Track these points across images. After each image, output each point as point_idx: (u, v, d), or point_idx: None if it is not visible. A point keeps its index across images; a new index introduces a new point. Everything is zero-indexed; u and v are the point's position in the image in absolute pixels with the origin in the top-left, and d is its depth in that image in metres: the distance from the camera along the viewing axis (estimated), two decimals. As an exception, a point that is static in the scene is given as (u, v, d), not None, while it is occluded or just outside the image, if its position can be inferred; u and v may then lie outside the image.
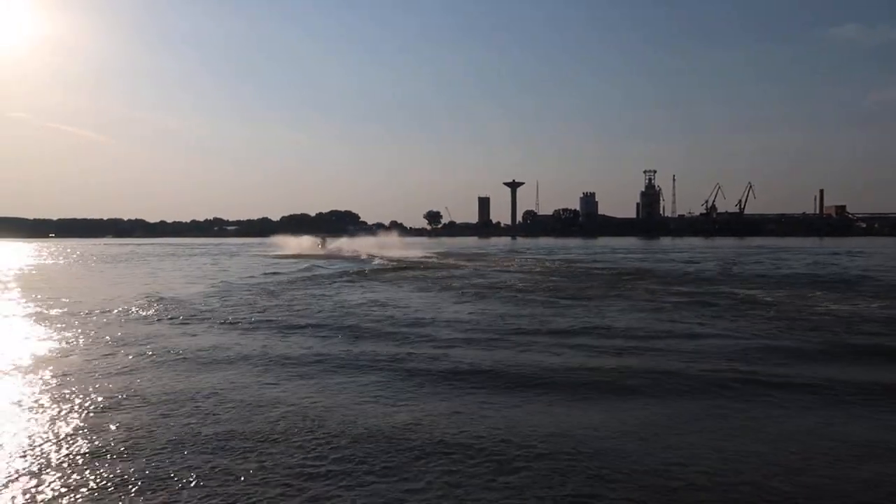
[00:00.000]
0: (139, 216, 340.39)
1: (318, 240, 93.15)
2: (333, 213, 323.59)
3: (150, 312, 20.72)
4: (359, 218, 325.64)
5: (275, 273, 40.93)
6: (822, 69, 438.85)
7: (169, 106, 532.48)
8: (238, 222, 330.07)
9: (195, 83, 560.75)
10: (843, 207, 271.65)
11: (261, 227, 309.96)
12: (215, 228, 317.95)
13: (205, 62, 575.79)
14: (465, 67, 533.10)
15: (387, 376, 11.42)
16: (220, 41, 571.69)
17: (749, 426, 8.61)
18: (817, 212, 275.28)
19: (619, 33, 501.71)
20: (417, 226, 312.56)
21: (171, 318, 19.19)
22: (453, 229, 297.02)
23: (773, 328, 17.02)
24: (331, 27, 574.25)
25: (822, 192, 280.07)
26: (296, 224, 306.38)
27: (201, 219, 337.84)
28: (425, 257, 63.80)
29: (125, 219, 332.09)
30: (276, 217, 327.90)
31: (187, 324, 18.10)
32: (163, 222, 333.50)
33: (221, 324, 18.07)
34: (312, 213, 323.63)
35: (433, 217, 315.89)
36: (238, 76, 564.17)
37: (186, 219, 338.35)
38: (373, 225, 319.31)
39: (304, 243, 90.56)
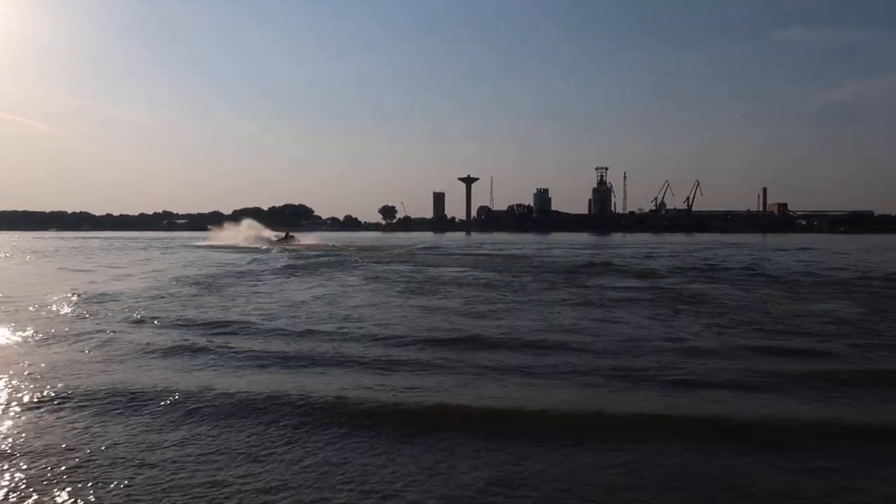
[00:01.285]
0: (85, 209, 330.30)
1: (279, 234, 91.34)
2: (287, 207, 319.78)
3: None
4: (313, 212, 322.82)
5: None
6: (769, 70, 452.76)
7: (115, 95, 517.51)
8: (188, 216, 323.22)
9: (142, 73, 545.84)
10: (784, 205, 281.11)
11: (212, 221, 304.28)
12: (164, 222, 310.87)
13: (151, 51, 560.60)
14: (421, 62, 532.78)
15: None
16: (167, 30, 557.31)
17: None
18: (761, 209, 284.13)
19: (574, 30, 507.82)
20: (372, 220, 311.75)
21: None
22: (408, 224, 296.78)
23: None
24: (285, 18, 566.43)
25: (765, 190, 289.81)
26: (248, 218, 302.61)
27: (150, 212, 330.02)
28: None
29: (70, 212, 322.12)
30: (227, 211, 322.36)
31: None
32: (109, 215, 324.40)
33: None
34: (265, 208, 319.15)
35: (388, 212, 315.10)
36: (187, 66, 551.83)
37: (134, 212, 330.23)
38: (327, 220, 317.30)
39: (241, 234, 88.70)
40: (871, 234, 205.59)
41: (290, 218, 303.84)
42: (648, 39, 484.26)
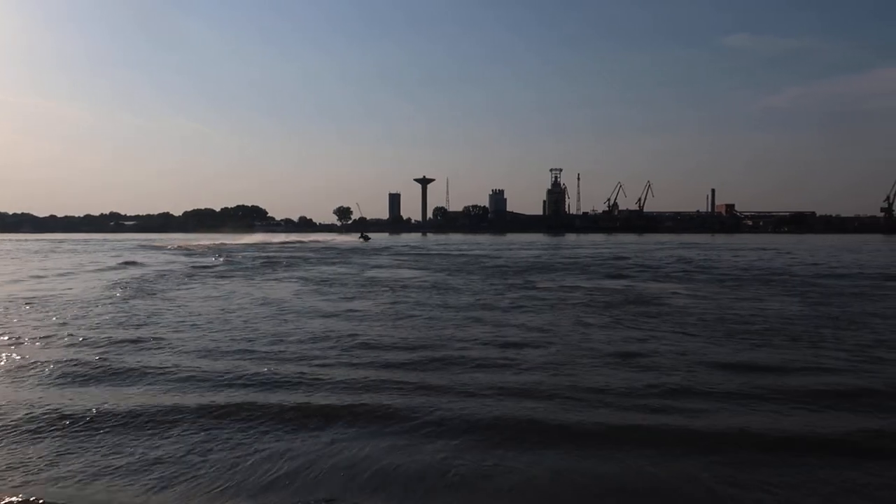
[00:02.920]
0: (26, 210, 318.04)
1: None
2: (240, 208, 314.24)
3: None
4: (266, 213, 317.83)
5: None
6: (716, 75, 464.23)
7: (53, 92, 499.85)
8: (137, 217, 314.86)
9: (79, 68, 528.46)
10: (732, 206, 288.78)
11: (161, 223, 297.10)
12: (111, 223, 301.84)
13: (87, 45, 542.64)
14: (376, 62, 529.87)
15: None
16: (104, 24, 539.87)
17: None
18: (710, 210, 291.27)
19: (527, 34, 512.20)
20: (327, 221, 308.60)
21: None
22: (364, 225, 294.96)
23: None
24: (234, 16, 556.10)
25: (713, 191, 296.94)
26: (199, 219, 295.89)
27: (96, 213, 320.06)
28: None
29: (10, 213, 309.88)
30: (178, 212, 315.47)
31: None
32: (53, 217, 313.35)
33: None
34: (217, 209, 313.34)
35: (343, 213, 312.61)
36: (128, 64, 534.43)
37: (80, 213, 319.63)
38: (280, 221, 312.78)
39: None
40: (813, 234, 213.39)
41: (242, 219, 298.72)
42: (600, 43, 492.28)
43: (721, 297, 25.50)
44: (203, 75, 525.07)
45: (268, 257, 60.31)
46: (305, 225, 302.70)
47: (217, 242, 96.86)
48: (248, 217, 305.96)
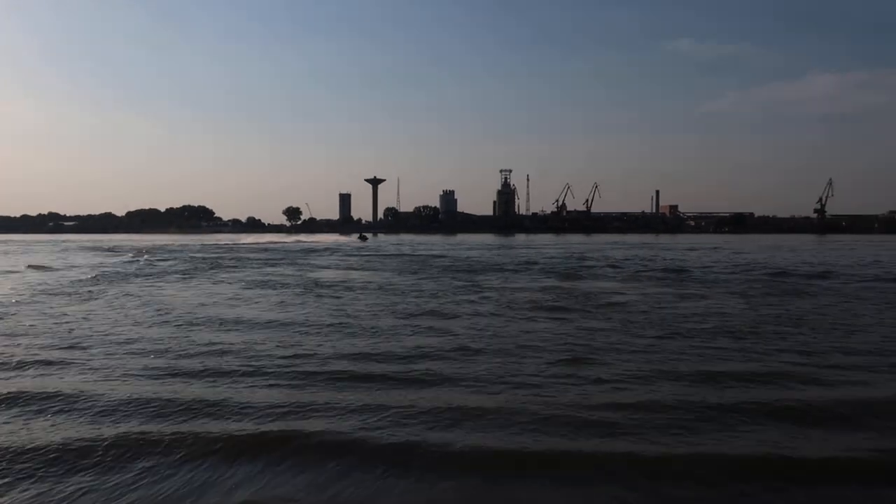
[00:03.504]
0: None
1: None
2: (186, 208, 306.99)
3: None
4: (213, 214, 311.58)
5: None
6: (661, 79, 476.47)
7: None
8: (77, 217, 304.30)
9: (23, 63, 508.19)
10: (675, 207, 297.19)
11: (103, 223, 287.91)
12: (50, 224, 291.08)
13: (32, 37, 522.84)
14: (324, 63, 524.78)
15: None
16: (52, 16, 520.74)
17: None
18: (654, 211, 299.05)
19: (474, 37, 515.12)
20: (276, 222, 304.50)
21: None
22: (313, 226, 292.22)
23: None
24: (170, 13, 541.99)
25: (657, 192, 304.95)
26: (143, 220, 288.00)
27: (34, 213, 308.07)
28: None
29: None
30: (121, 212, 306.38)
31: None
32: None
33: None
34: (162, 209, 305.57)
35: (293, 213, 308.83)
36: (73, 59, 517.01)
37: (16, 213, 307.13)
38: (228, 221, 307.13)
39: None
40: (752, 233, 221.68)
41: (189, 219, 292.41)
42: (546, 47, 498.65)
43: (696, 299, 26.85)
44: (151, 72, 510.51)
45: (213, 258, 59.68)
46: (254, 226, 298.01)
47: (225, 243, 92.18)
48: (195, 217, 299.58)
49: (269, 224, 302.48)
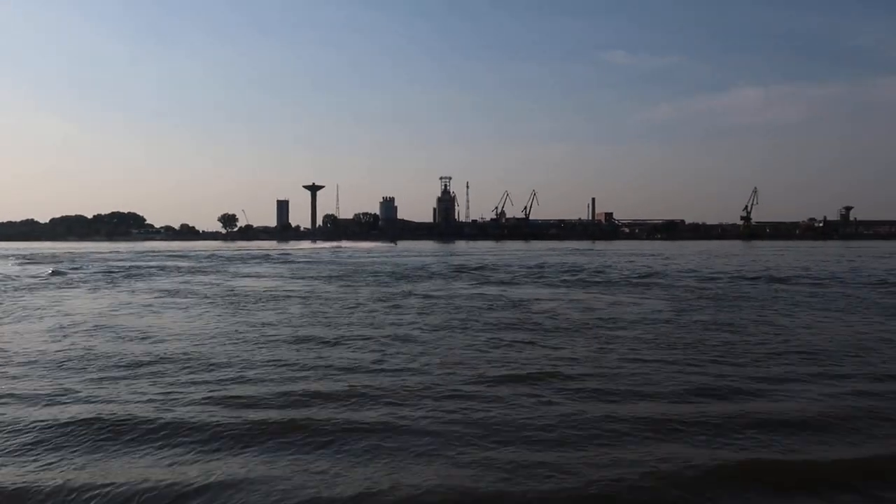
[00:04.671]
0: None
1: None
2: (115, 214, 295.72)
3: None
4: (145, 220, 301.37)
5: None
6: (597, 89, 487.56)
7: None
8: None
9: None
10: (610, 214, 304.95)
11: (25, 231, 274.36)
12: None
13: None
14: (267, 66, 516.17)
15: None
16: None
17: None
18: (591, 218, 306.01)
19: (423, 42, 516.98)
20: (211, 229, 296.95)
21: None
22: (250, 233, 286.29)
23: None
24: (92, 9, 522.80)
25: (593, 200, 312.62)
26: (68, 227, 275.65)
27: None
28: None
29: None
30: (44, 219, 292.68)
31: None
32: None
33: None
34: (89, 215, 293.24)
35: (228, 220, 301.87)
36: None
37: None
38: (160, 228, 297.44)
39: None
40: (683, 240, 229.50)
41: (118, 226, 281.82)
42: (491, 54, 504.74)
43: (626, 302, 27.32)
44: (74, 71, 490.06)
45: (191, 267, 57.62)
46: (187, 233, 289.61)
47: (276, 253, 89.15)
48: (125, 224, 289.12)
49: (203, 231, 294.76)
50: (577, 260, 67.18)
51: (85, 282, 39.93)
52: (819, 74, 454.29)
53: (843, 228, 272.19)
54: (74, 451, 8.69)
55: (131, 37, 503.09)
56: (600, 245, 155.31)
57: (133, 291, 32.87)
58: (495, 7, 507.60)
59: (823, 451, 8.70)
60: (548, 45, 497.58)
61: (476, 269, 51.09)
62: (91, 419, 9.88)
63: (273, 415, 10.03)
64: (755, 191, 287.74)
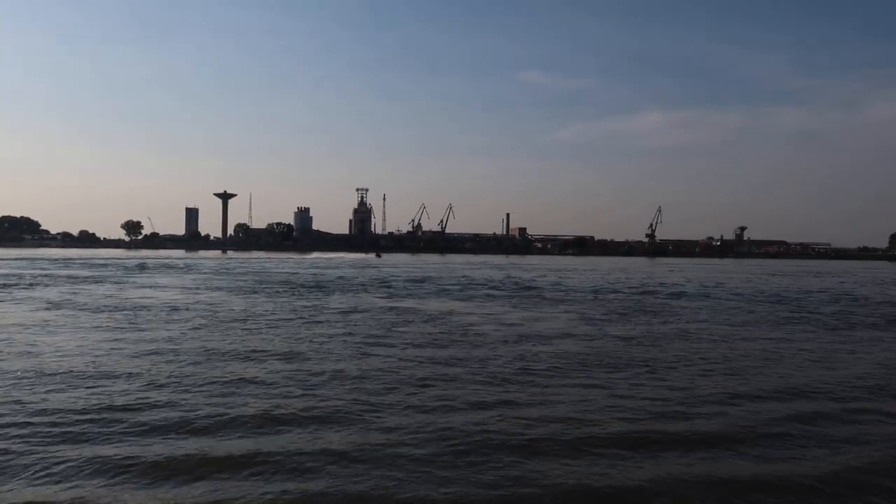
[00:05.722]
0: None
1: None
2: (6, 219, 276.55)
3: None
4: (40, 226, 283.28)
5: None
6: (515, 107, 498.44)
7: None
8: None
9: None
10: (524, 229, 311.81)
11: None
12: None
13: None
14: (179, 67, 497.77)
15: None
16: None
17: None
18: (505, 232, 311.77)
19: (346, 53, 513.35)
20: (114, 236, 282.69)
21: None
22: (156, 241, 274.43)
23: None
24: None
25: (508, 215, 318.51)
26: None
27: None
28: None
29: None
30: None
31: None
32: None
33: None
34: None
35: (133, 227, 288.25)
36: None
37: None
38: (57, 234, 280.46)
39: None
40: (592, 255, 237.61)
41: (9, 231, 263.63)
42: (415, 67, 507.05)
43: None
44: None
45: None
46: (87, 239, 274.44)
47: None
48: (17, 229, 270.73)
49: (104, 238, 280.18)
50: (495, 274, 68.41)
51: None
52: (720, 101, 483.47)
53: (737, 247, 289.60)
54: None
55: (17, 30, 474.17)
56: (514, 259, 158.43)
57: (12, 301, 30.92)
58: (420, 21, 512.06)
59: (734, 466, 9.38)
60: (469, 60, 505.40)
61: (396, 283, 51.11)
62: None
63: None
64: (659, 210, 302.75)
